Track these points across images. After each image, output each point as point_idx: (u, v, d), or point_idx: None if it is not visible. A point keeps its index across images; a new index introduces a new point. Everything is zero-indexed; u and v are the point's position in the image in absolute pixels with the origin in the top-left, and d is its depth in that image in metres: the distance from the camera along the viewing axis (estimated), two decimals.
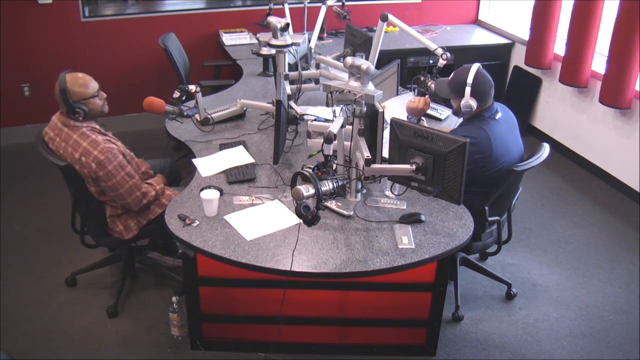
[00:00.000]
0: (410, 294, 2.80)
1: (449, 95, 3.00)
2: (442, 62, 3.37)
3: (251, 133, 3.41)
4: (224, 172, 2.97)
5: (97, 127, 2.95)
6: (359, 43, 3.69)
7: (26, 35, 4.78)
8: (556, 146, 4.88)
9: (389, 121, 2.57)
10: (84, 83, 2.85)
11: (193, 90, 3.33)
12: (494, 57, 5.33)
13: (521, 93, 5.27)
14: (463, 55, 4.78)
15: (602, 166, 4.58)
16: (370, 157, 2.50)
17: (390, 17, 3.52)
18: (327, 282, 2.71)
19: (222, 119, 3.50)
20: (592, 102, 4.54)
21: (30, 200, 4.19)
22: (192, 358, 2.90)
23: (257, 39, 3.56)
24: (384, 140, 2.75)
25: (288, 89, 3.29)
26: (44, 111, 3.44)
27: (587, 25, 4.35)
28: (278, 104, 2.89)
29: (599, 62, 4.46)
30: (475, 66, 2.88)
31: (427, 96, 3.26)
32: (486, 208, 2.84)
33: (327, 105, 3.48)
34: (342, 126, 2.67)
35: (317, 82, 3.64)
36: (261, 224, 2.57)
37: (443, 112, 3.68)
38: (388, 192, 2.84)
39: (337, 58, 3.82)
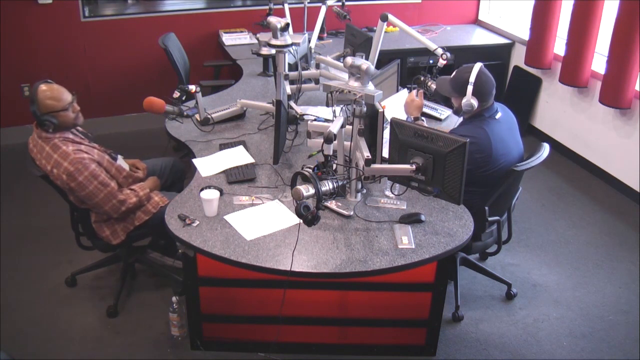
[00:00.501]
0: (410, 294, 2.80)
1: (450, 93, 3.00)
2: (442, 62, 3.37)
3: (251, 133, 3.41)
4: (224, 172, 2.97)
5: (71, 136, 2.89)
6: (359, 43, 3.69)
7: (26, 35, 4.77)
8: (556, 146, 4.87)
9: (389, 119, 2.57)
10: (54, 96, 2.79)
11: (193, 90, 3.33)
12: (494, 57, 5.33)
13: (521, 93, 5.27)
14: (463, 55, 4.77)
15: (602, 166, 4.57)
16: (370, 157, 2.50)
17: (390, 17, 3.52)
18: (327, 282, 2.71)
19: (222, 119, 3.50)
20: (592, 102, 4.54)
21: (30, 200, 4.19)
22: (192, 358, 2.90)
23: (257, 39, 3.56)
24: (384, 140, 2.75)
25: (288, 89, 3.29)
26: None
27: (587, 25, 4.35)
28: (278, 104, 2.89)
29: (599, 62, 4.46)
30: (478, 65, 2.88)
31: (417, 90, 3.22)
32: (486, 208, 2.84)
33: (327, 105, 3.48)
34: (342, 126, 2.67)
35: (317, 82, 3.64)
36: (261, 224, 2.57)
37: (443, 112, 3.68)
38: (388, 192, 2.84)
39: (337, 58, 3.82)
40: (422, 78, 3.35)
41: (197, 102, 3.42)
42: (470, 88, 2.84)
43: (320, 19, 4.10)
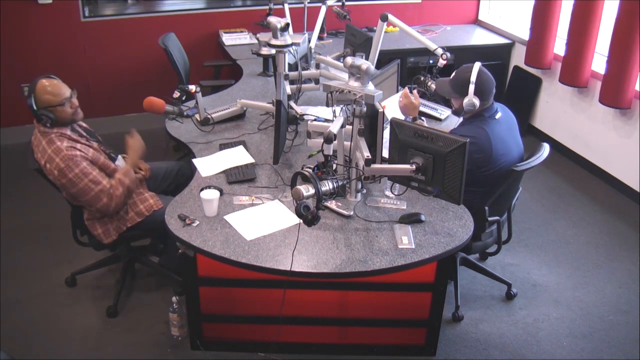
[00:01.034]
0: (410, 294, 2.80)
1: (450, 94, 3.00)
2: (442, 62, 3.37)
3: (251, 133, 3.41)
4: (224, 172, 2.97)
5: (68, 132, 2.88)
6: (359, 43, 3.69)
7: (26, 35, 4.77)
8: (556, 146, 4.87)
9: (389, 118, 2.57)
10: (52, 91, 2.78)
11: (193, 90, 3.33)
12: (494, 57, 5.33)
13: (521, 93, 5.27)
14: (463, 55, 4.77)
15: (602, 166, 4.58)
16: (370, 157, 2.50)
17: (390, 17, 3.53)
18: (327, 282, 2.71)
19: (222, 119, 3.50)
20: (592, 102, 4.54)
21: (30, 200, 4.19)
22: (192, 358, 2.90)
23: (257, 39, 3.56)
24: (384, 140, 2.75)
25: (288, 89, 3.29)
26: None
27: (587, 25, 4.35)
28: (278, 104, 2.89)
29: (599, 62, 4.46)
30: (477, 65, 2.88)
31: (409, 89, 3.21)
32: (486, 208, 2.84)
33: (327, 105, 3.48)
34: (342, 126, 2.67)
35: (317, 82, 3.64)
36: (261, 224, 2.57)
37: (443, 112, 3.68)
38: (388, 192, 2.84)
39: (337, 58, 3.82)
40: (422, 78, 3.35)
41: (197, 102, 3.42)
42: (472, 87, 2.84)
43: (320, 19, 4.10)
